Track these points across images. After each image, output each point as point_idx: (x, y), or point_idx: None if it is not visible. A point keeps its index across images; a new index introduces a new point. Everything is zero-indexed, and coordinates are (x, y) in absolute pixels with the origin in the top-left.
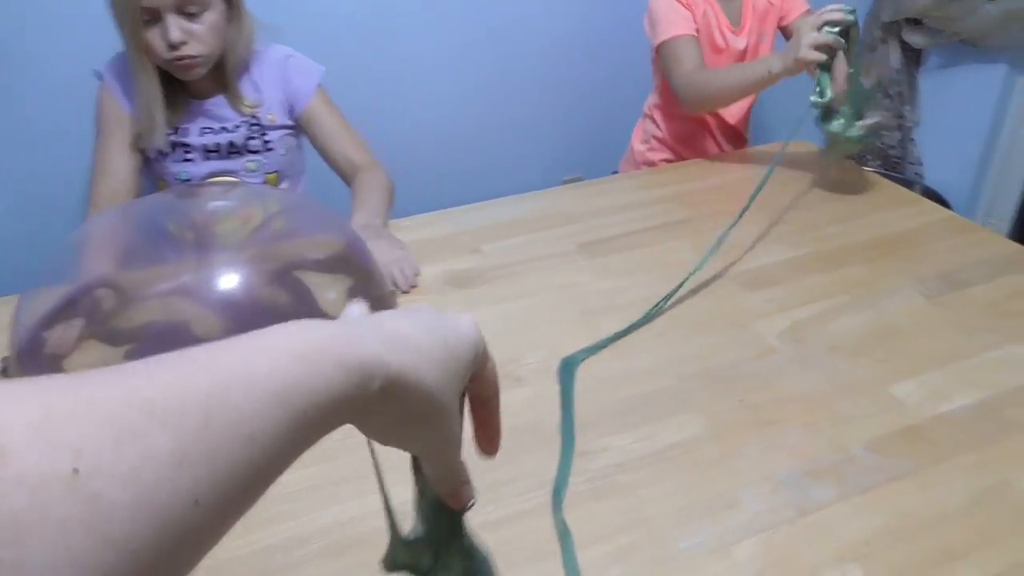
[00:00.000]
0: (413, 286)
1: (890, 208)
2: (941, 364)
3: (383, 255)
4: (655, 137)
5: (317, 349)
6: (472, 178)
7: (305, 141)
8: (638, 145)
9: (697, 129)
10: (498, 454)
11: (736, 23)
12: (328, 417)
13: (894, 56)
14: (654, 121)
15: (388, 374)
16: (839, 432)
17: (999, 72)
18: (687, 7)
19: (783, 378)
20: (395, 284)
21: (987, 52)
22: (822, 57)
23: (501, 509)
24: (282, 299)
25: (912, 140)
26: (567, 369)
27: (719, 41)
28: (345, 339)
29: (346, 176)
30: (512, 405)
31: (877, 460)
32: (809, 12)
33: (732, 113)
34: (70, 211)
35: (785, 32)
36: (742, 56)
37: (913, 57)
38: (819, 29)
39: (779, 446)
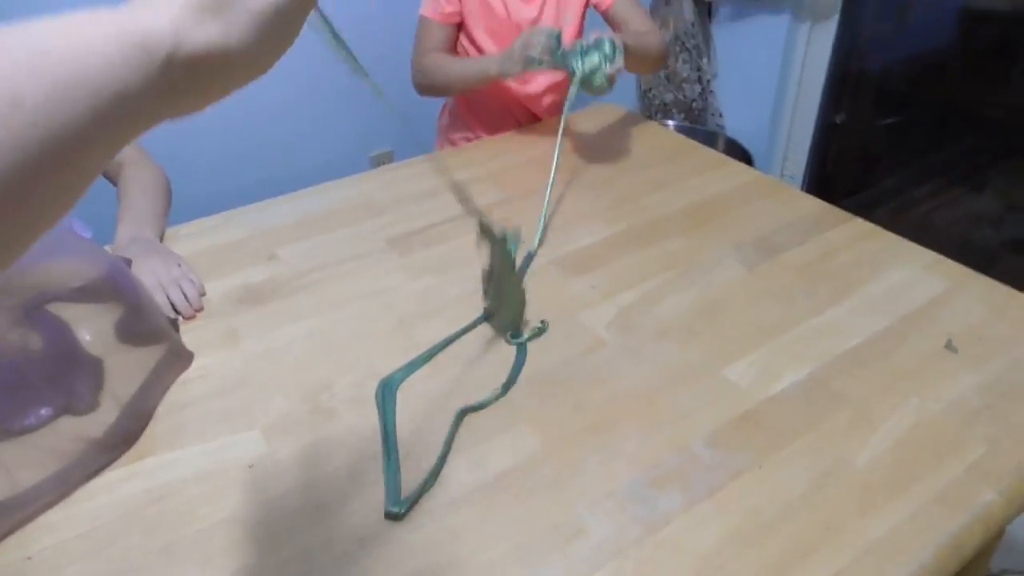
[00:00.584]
0: (198, 310)
1: (701, 172)
2: (768, 338)
3: (157, 275)
4: (454, 114)
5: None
6: (266, 163)
7: None
8: (443, 122)
9: (500, 113)
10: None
11: None
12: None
13: (688, 9)
14: (455, 99)
15: (181, 50)
16: (678, 429)
17: (783, 21)
18: None
19: (616, 374)
20: (175, 310)
21: (772, 1)
22: (535, 57)
23: None
24: (35, 343)
25: (712, 92)
26: (386, 393)
27: (499, 9)
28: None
29: (108, 172)
30: (323, 447)
31: (718, 456)
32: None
33: (540, 107)
34: None
35: (606, 18)
36: (526, 27)
37: (704, 9)
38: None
39: (619, 454)
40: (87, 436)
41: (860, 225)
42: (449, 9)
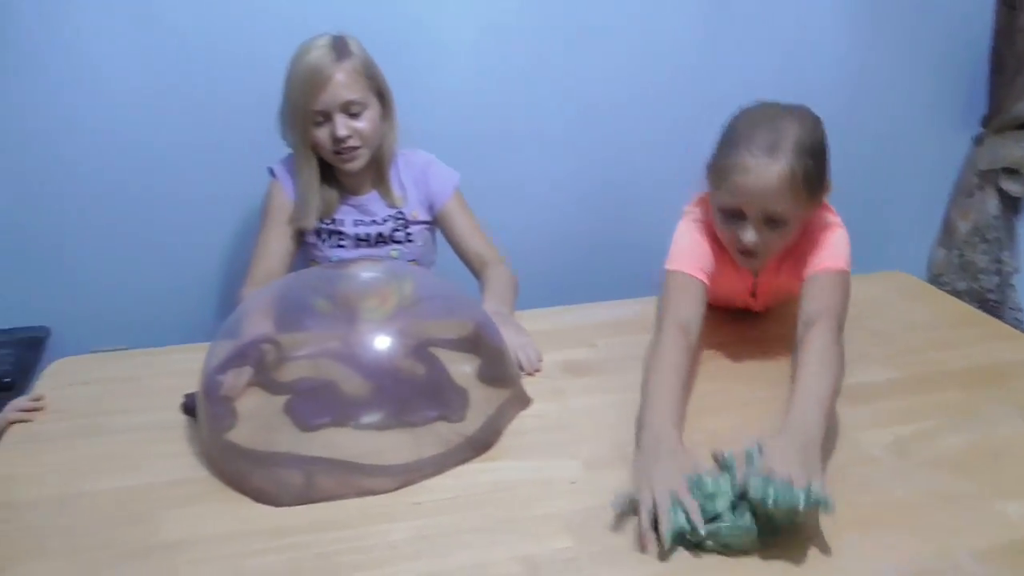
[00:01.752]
0: (537, 370)
1: (989, 341)
2: None
3: (510, 339)
4: None
5: None
6: (579, 280)
7: (438, 234)
8: None
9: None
10: None
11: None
12: None
13: (991, 203)
14: None
15: None
16: (944, 540)
17: None
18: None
19: (887, 485)
20: (520, 366)
21: None
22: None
23: None
24: (419, 370)
25: (1012, 286)
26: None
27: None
28: None
29: (475, 269)
30: (625, 484)
31: (984, 570)
32: None
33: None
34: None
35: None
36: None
37: (1010, 204)
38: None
39: (885, 546)
40: (459, 434)
41: None
42: (707, 265)
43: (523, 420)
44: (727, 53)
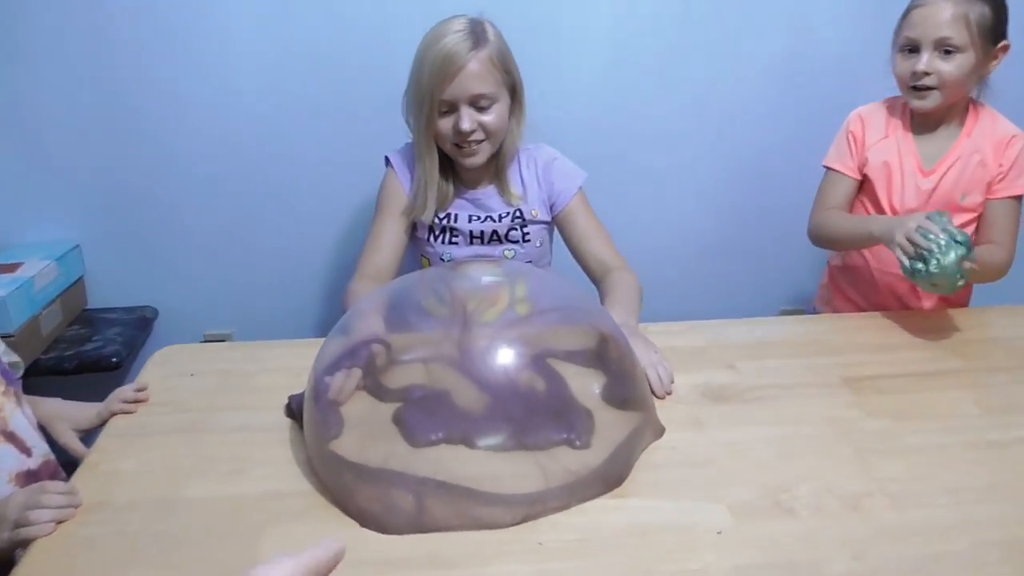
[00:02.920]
0: (668, 393)
1: None
2: None
3: (640, 357)
4: (835, 273)
5: None
6: (709, 292)
7: (556, 236)
8: (823, 280)
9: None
10: None
11: (928, 164)
12: None
13: None
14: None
15: None
16: None
17: None
18: (854, 144)
19: None
20: (650, 388)
21: None
22: (909, 250)
23: None
24: (539, 385)
25: None
26: None
27: (895, 179)
28: None
29: (596, 276)
30: (782, 538)
31: None
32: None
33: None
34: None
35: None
36: (926, 198)
37: None
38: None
39: None
40: (584, 464)
41: None
42: (851, 164)
43: (657, 452)
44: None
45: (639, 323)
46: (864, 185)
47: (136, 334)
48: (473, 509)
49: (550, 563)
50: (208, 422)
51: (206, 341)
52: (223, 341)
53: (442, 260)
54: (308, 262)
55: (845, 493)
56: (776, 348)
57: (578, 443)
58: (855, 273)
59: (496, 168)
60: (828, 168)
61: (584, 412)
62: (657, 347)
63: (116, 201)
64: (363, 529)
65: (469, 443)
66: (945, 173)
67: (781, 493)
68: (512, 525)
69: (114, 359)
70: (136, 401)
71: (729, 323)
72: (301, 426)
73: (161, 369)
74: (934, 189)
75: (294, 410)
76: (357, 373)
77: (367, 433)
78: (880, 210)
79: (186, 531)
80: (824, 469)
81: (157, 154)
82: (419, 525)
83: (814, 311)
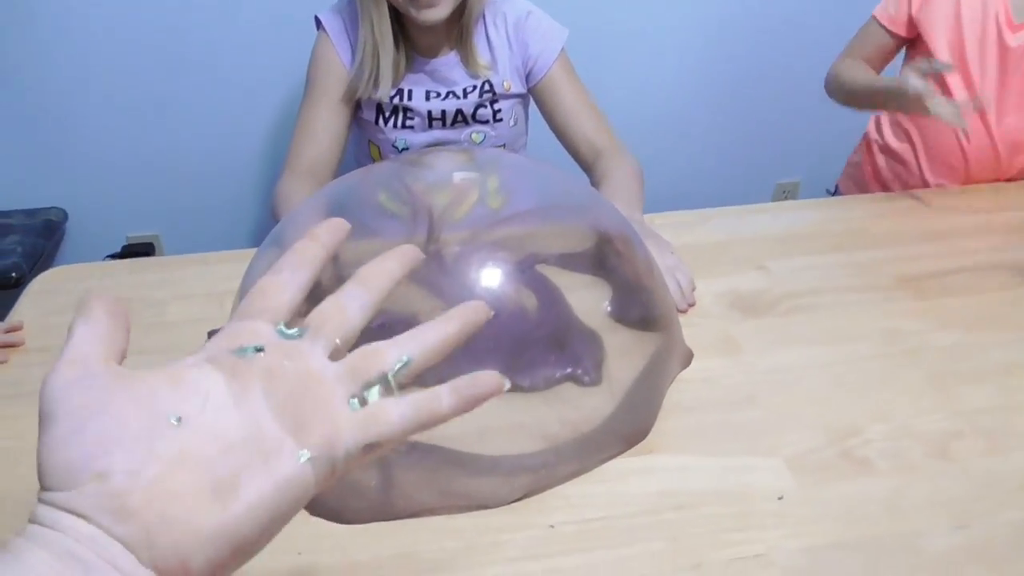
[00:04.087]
0: (691, 304)
1: None
2: None
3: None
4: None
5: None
6: (712, 175)
7: (532, 113)
8: (856, 157)
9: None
10: None
11: (1021, 15)
12: None
13: None
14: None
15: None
16: None
17: None
18: None
19: None
20: None
21: None
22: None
23: None
24: (530, 302)
25: None
26: None
27: (976, 31)
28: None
29: (586, 161)
30: (861, 504)
31: None
32: None
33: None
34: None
35: None
36: (1014, 63)
37: None
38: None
39: None
40: (598, 410)
41: None
42: (900, 16)
43: (685, 387)
44: None
45: (643, 216)
46: (910, 47)
47: (39, 242)
48: (458, 481)
49: (568, 557)
50: None
51: (128, 246)
52: (148, 245)
53: (395, 148)
54: (238, 152)
55: (927, 435)
56: (811, 241)
57: (585, 379)
58: (898, 158)
59: (459, 31)
60: (873, 16)
61: (589, 336)
62: (673, 246)
63: (7, 81)
64: (311, 519)
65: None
66: None
67: (849, 438)
68: (513, 502)
69: (13, 274)
70: (6, 346)
71: (748, 210)
72: None
73: (41, 301)
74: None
75: None
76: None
77: None
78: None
79: None
80: (896, 403)
81: (53, 28)
82: (386, 509)
83: (837, 192)
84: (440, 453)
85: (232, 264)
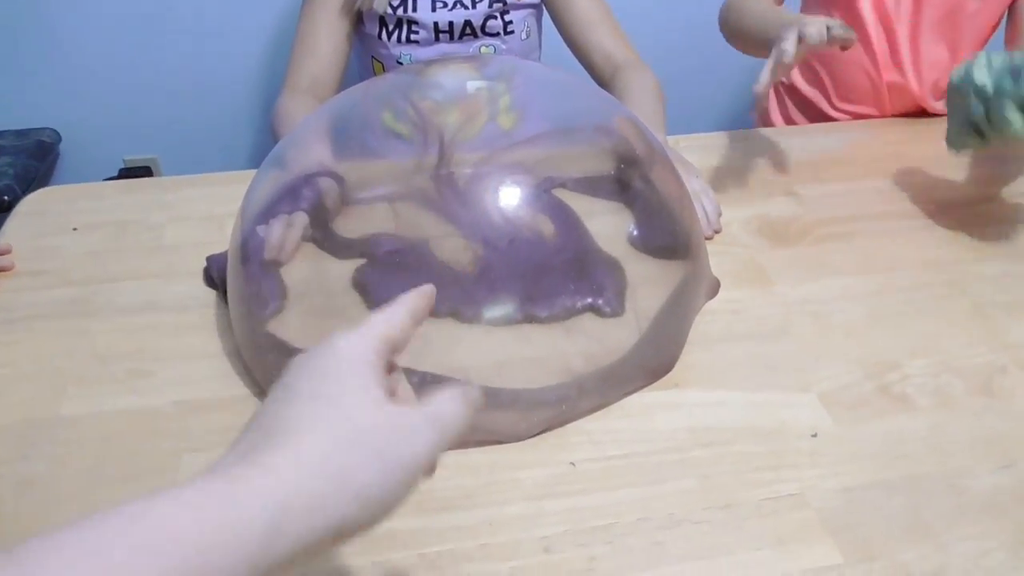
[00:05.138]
0: (717, 231)
1: None
2: None
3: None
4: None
5: (278, 527)
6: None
7: (545, 23)
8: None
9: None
10: None
11: None
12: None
13: None
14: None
15: (341, 533)
16: None
17: None
18: None
19: None
20: None
21: None
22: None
23: None
24: (547, 228)
25: None
26: None
27: None
28: (307, 510)
29: (602, 75)
30: (900, 442)
31: None
32: None
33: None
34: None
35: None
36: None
37: None
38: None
39: None
40: (620, 342)
41: None
42: None
43: (712, 318)
44: None
45: (666, 137)
46: None
47: (32, 164)
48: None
49: (589, 496)
50: (97, 300)
51: (125, 168)
52: (146, 168)
53: (399, 65)
54: (237, 69)
55: (970, 369)
56: (843, 166)
57: (607, 309)
58: (808, 103)
59: None
60: None
61: (610, 264)
62: (699, 170)
63: None
64: None
65: (460, 316)
66: None
67: (887, 372)
68: (530, 437)
69: (6, 197)
70: None
71: (778, 132)
72: (226, 300)
73: (32, 222)
74: None
75: (215, 278)
76: (302, 219)
77: (318, 306)
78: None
79: (65, 467)
80: (937, 335)
81: None
82: None
83: None
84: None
85: (232, 186)
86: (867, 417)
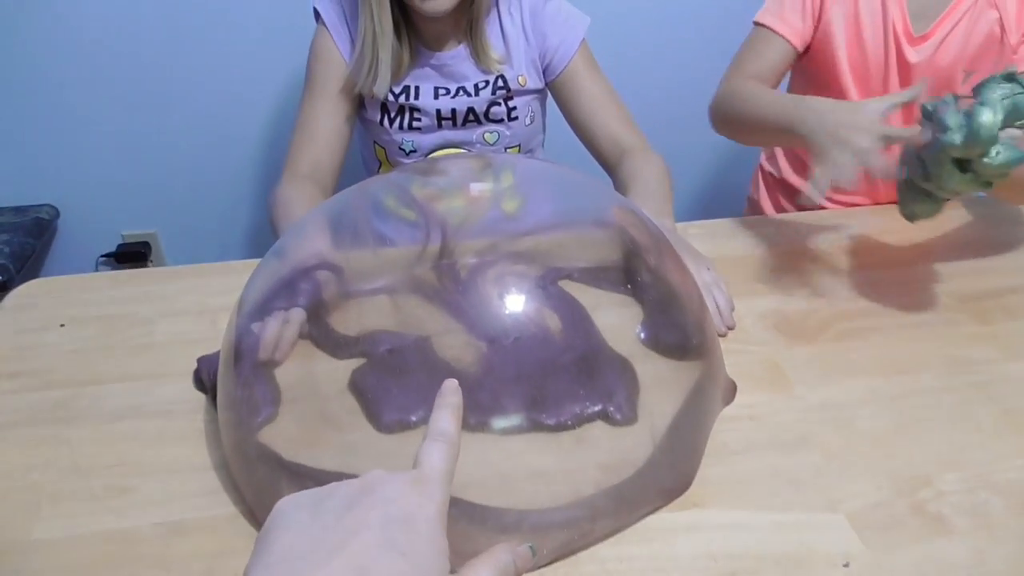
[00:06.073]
0: (730, 327)
1: None
2: None
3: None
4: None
5: None
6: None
7: (550, 109)
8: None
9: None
10: None
11: (921, 28)
12: None
13: None
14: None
15: None
16: None
17: None
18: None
19: None
20: None
21: None
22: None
23: None
24: (553, 324)
25: None
26: None
27: (869, 46)
28: None
29: (609, 160)
30: (937, 568)
31: None
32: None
33: None
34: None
35: None
36: (912, 74)
37: None
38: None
39: None
40: (633, 454)
41: None
42: (801, 24)
43: (730, 424)
44: None
45: (675, 225)
46: (807, 63)
47: (29, 242)
48: (478, 540)
49: None
50: (79, 404)
51: (124, 243)
52: (144, 244)
53: (401, 151)
54: (237, 147)
55: (1006, 485)
56: (858, 255)
57: (618, 416)
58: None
59: (469, 20)
60: (758, 25)
61: (620, 364)
62: (710, 261)
63: None
64: None
65: (464, 424)
66: (945, 39)
67: (919, 489)
68: (542, 566)
69: (1, 277)
70: None
71: (788, 219)
72: (216, 405)
73: (18, 317)
74: (926, 63)
75: (205, 381)
76: (299, 316)
77: (313, 411)
78: (846, 95)
79: None
80: (969, 444)
81: (47, 18)
82: None
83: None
84: (457, 506)
85: (229, 276)
86: (902, 542)
